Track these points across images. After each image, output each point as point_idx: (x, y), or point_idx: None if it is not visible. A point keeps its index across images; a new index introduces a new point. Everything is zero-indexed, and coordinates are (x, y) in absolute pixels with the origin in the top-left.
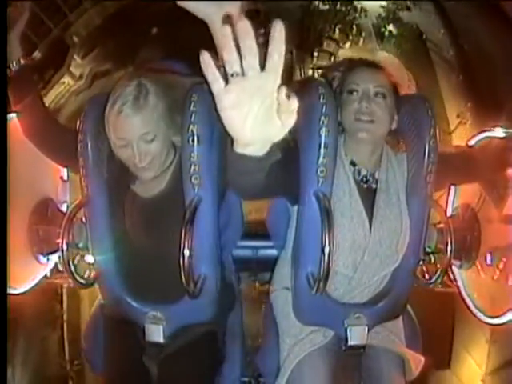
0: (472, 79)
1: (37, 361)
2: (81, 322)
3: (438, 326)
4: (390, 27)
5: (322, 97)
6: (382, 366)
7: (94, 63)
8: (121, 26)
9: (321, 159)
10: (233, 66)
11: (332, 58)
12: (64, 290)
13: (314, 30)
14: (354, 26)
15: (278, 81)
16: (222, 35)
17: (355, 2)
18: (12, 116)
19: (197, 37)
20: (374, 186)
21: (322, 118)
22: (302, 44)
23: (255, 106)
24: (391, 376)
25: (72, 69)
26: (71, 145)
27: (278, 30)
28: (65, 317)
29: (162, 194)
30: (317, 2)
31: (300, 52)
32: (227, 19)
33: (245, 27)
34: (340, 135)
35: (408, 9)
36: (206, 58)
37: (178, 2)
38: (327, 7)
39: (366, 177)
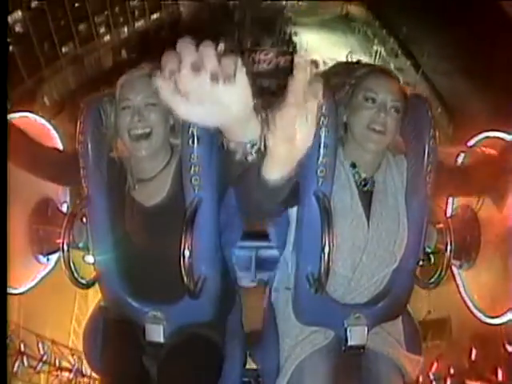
0: None
1: None
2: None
3: None
4: None
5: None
6: (381, 367)
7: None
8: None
9: (321, 159)
10: None
11: None
12: None
13: None
14: None
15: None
16: None
17: None
18: (12, 116)
19: None
20: (372, 188)
21: (322, 118)
22: None
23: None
24: (390, 377)
25: None
26: (60, 164)
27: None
28: None
29: (163, 202)
30: None
31: None
32: None
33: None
34: (341, 137)
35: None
36: None
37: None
38: None
39: (366, 179)
